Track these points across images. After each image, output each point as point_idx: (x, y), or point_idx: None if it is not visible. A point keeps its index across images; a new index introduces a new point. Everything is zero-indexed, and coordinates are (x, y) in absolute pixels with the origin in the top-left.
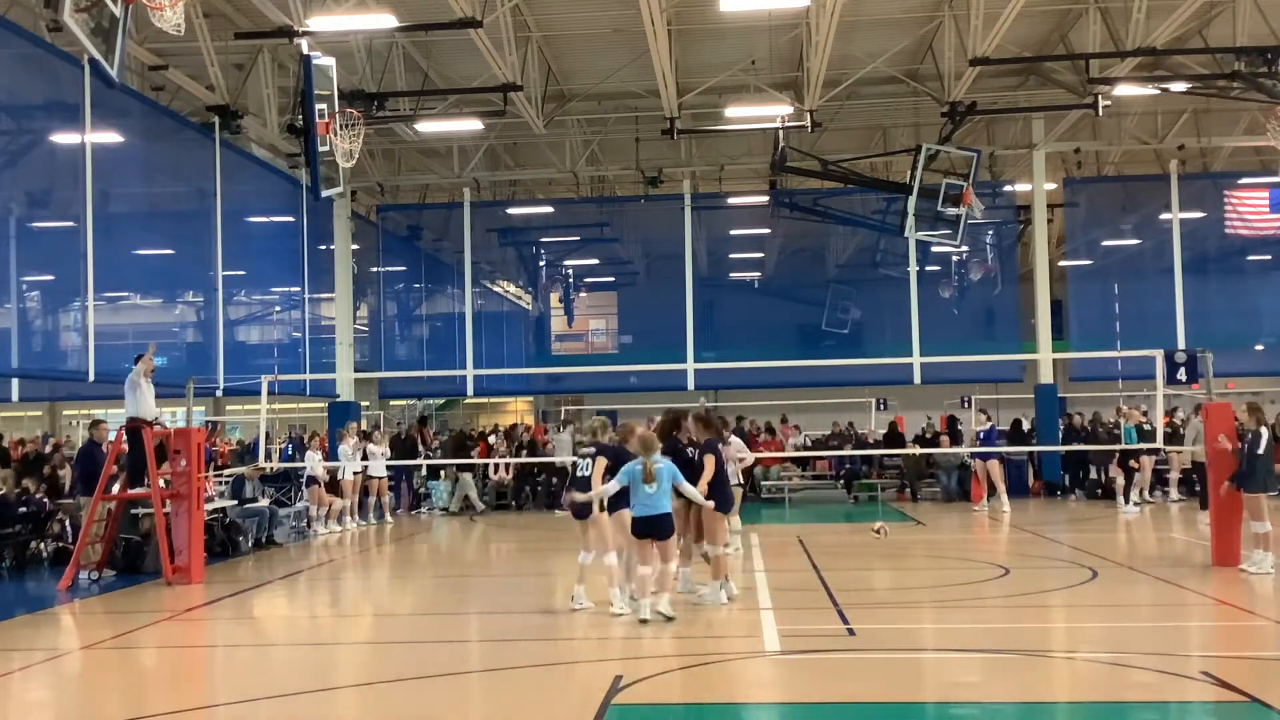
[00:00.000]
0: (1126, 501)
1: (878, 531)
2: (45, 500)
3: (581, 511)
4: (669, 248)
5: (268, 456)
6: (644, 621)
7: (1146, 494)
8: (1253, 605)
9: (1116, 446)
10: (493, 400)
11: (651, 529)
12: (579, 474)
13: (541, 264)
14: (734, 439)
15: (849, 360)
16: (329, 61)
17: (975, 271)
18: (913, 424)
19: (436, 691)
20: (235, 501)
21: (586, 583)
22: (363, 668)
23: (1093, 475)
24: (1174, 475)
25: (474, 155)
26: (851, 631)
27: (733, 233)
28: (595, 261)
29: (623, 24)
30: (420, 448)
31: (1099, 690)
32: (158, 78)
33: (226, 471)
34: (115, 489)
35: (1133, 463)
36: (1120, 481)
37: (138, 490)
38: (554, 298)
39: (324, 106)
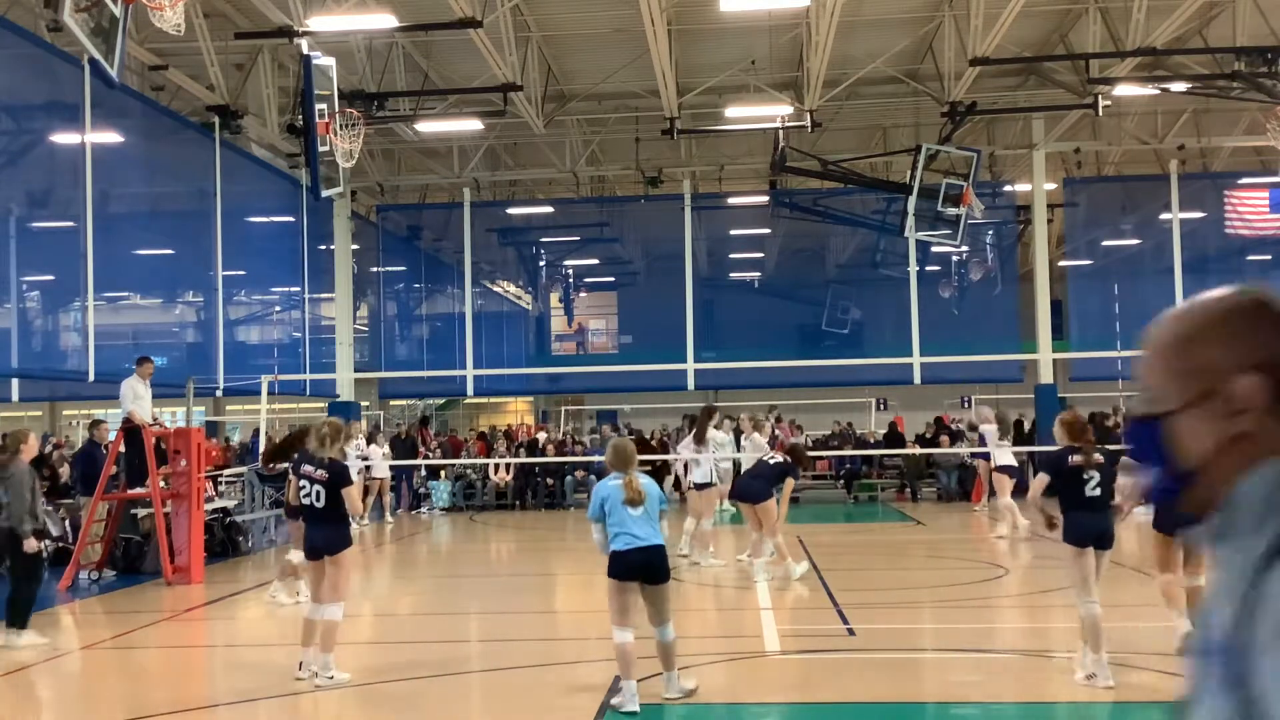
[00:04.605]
0: None
1: None
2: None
3: (323, 547)
4: (669, 248)
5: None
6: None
7: None
8: None
9: (1116, 447)
10: (493, 400)
11: (638, 568)
12: (303, 500)
13: (541, 264)
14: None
15: (849, 360)
16: (329, 61)
17: (975, 271)
18: (913, 424)
19: (436, 691)
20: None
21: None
22: (362, 668)
23: None
24: None
25: (474, 155)
26: (851, 631)
27: (733, 233)
28: (595, 261)
29: (623, 24)
30: (420, 448)
31: (1099, 690)
32: (158, 78)
33: (227, 472)
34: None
35: None
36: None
37: (137, 490)
38: (554, 298)
39: (324, 106)
